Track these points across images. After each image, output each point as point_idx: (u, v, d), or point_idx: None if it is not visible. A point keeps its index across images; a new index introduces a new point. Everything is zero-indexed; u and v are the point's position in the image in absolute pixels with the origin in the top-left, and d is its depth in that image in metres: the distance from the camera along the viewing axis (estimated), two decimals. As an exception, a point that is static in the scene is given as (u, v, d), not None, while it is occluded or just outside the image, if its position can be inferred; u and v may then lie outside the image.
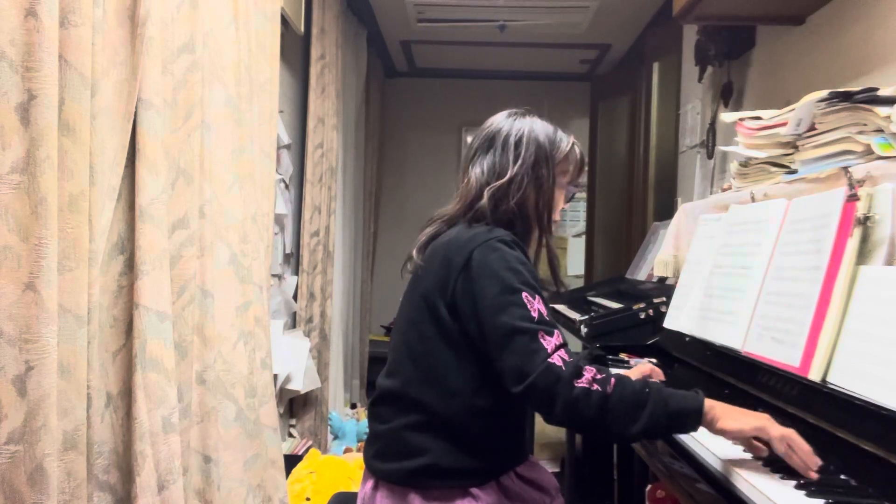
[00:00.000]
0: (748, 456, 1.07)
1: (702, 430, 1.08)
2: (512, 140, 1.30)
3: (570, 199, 1.38)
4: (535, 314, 1.11)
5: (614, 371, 1.11)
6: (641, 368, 1.49)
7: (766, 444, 1.03)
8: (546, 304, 1.16)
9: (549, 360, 1.06)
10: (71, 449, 1.27)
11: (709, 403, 1.06)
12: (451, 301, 1.20)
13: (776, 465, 1.02)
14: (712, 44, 2.54)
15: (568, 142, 1.34)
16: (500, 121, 1.34)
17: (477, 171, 1.31)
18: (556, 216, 1.35)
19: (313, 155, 3.08)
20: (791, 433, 1.01)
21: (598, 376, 1.06)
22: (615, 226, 4.35)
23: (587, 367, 1.07)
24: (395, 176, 5.19)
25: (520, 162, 1.28)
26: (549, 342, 1.08)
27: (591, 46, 4.43)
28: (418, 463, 1.20)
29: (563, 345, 1.10)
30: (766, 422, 1.04)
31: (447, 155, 5.20)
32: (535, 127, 1.32)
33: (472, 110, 5.09)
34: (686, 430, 1.10)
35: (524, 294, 1.13)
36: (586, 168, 1.36)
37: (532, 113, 1.35)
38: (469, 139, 5.13)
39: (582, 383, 1.04)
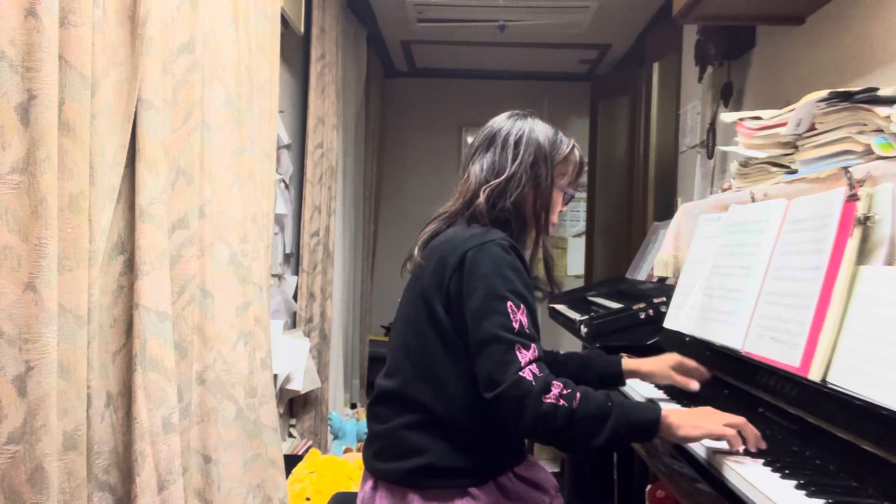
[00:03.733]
0: (749, 455, 1.07)
1: None
2: (512, 139, 1.31)
3: (567, 201, 1.38)
4: (516, 325, 1.13)
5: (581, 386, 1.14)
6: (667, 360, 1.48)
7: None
8: (533, 314, 1.17)
9: (521, 373, 1.09)
10: (71, 449, 1.27)
11: (664, 412, 1.11)
12: (446, 301, 1.21)
13: (776, 464, 1.02)
14: (712, 44, 2.54)
15: (568, 144, 1.35)
16: (501, 121, 1.35)
17: (476, 169, 1.32)
18: (554, 218, 1.35)
19: (313, 155, 3.08)
20: (741, 424, 1.08)
21: (565, 391, 1.09)
22: (615, 226, 4.35)
23: (555, 381, 1.10)
24: (395, 176, 5.19)
25: (518, 161, 1.29)
26: (523, 355, 1.10)
27: (591, 46, 4.43)
28: (417, 463, 1.20)
29: (538, 359, 1.12)
30: (717, 426, 1.08)
31: (447, 155, 5.19)
32: (536, 128, 1.33)
33: (472, 110, 5.09)
34: (644, 440, 1.17)
35: (509, 303, 1.14)
36: (585, 171, 1.38)
37: (534, 115, 1.37)
38: (469, 139, 5.17)
39: (550, 399, 1.08)
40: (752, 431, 1.08)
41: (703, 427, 1.09)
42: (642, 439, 1.17)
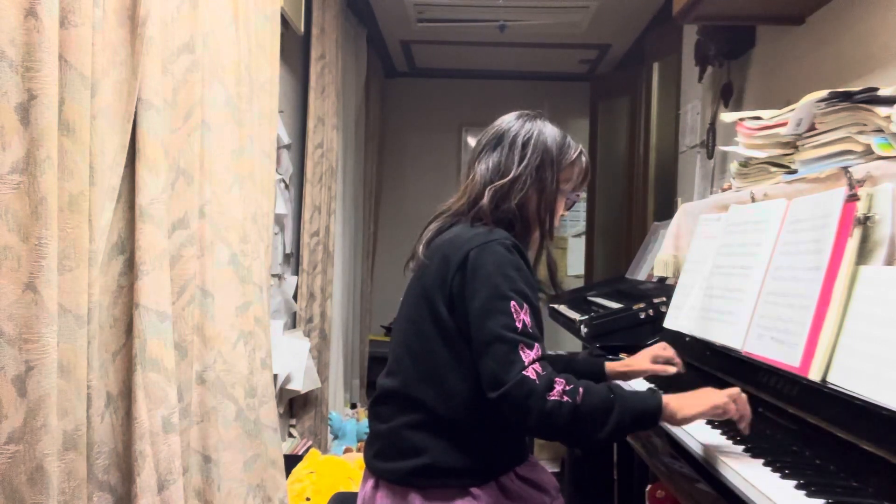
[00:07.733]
0: (748, 455, 1.07)
1: (698, 425, 1.19)
2: (520, 141, 1.31)
3: (570, 206, 1.39)
4: (519, 324, 1.13)
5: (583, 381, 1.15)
6: (644, 353, 1.51)
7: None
8: (536, 314, 1.18)
9: (524, 372, 1.09)
10: (71, 449, 1.27)
11: (665, 399, 1.14)
12: (448, 300, 1.21)
13: (776, 464, 1.02)
14: (712, 44, 2.54)
15: (576, 149, 1.36)
16: (510, 121, 1.35)
17: (482, 168, 1.32)
18: (556, 222, 1.35)
19: (313, 155, 3.08)
20: (736, 394, 1.14)
21: (568, 388, 1.10)
22: (615, 226, 4.35)
23: (557, 378, 1.10)
24: (395, 176, 5.19)
25: (525, 163, 1.29)
26: (527, 354, 1.11)
27: (591, 46, 4.43)
28: (418, 462, 1.20)
29: (541, 358, 1.13)
30: (715, 397, 1.13)
31: (447, 155, 5.20)
32: (545, 130, 1.33)
33: (472, 110, 5.10)
34: (647, 428, 1.19)
35: (512, 302, 1.14)
36: (589, 177, 1.39)
37: (543, 116, 1.36)
38: (469, 139, 5.18)
39: (553, 396, 1.08)
40: (743, 401, 1.13)
41: (697, 406, 1.13)
42: (646, 427, 1.18)
